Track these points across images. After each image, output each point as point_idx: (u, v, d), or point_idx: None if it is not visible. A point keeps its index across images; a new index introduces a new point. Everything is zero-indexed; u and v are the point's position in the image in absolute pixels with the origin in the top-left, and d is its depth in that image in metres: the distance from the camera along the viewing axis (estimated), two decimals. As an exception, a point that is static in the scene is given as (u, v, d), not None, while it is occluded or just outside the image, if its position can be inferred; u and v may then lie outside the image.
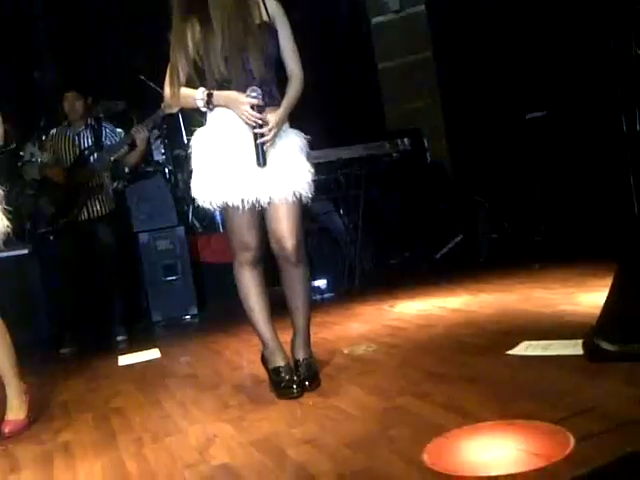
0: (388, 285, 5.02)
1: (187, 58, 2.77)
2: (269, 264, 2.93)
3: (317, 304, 4.82)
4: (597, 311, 2.51)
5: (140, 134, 4.84)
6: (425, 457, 1.88)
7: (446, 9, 6.64)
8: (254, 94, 2.71)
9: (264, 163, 2.73)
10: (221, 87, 2.76)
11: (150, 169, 6.46)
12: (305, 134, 2.92)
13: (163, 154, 6.55)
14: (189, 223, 6.14)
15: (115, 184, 6.11)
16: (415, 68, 7.23)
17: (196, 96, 2.76)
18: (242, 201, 2.74)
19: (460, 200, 5.60)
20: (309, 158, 2.90)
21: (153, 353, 4.22)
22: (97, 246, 4.91)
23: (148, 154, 6.59)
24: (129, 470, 2.34)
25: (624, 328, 2.36)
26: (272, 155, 2.77)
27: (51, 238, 4.98)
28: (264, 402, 2.80)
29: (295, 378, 2.83)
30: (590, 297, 3.42)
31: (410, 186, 5.68)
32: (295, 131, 2.90)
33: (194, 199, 2.84)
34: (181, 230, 5.58)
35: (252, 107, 2.72)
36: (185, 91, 2.80)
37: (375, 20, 7.78)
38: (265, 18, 2.82)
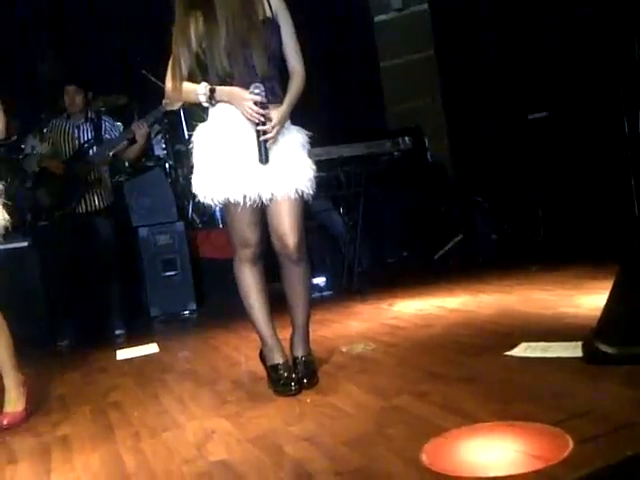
0: (387, 284, 5.02)
1: (190, 52, 2.75)
2: (269, 261, 2.93)
3: (316, 302, 4.79)
4: (597, 313, 2.51)
5: (140, 129, 4.82)
6: (423, 457, 1.88)
7: (449, 8, 6.64)
8: (257, 91, 2.70)
9: (267, 160, 2.73)
10: (223, 82, 2.74)
11: (150, 164, 6.45)
12: (306, 131, 2.91)
13: (164, 149, 6.55)
14: (189, 218, 6.13)
15: (116, 178, 6.13)
16: (417, 67, 7.22)
17: (198, 91, 2.74)
18: (244, 197, 2.73)
19: (460, 200, 5.60)
20: (310, 155, 2.90)
21: (151, 348, 4.22)
22: (95, 240, 4.90)
23: (149, 149, 6.60)
24: (127, 464, 2.34)
25: (624, 331, 2.36)
26: (274, 152, 2.76)
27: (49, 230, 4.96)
28: (262, 399, 2.80)
29: (293, 376, 2.83)
30: (590, 299, 3.42)
31: (410, 185, 5.68)
32: (297, 128, 2.89)
33: (194, 194, 2.83)
34: (181, 225, 5.58)
35: (255, 104, 2.71)
36: (187, 86, 2.78)
37: (378, 18, 7.78)
38: (268, 14, 2.81)
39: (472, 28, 6.25)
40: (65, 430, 2.86)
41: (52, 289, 4.97)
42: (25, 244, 4.97)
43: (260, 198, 2.76)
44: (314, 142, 2.96)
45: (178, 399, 3.04)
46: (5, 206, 3.02)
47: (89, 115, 5.02)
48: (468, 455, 1.86)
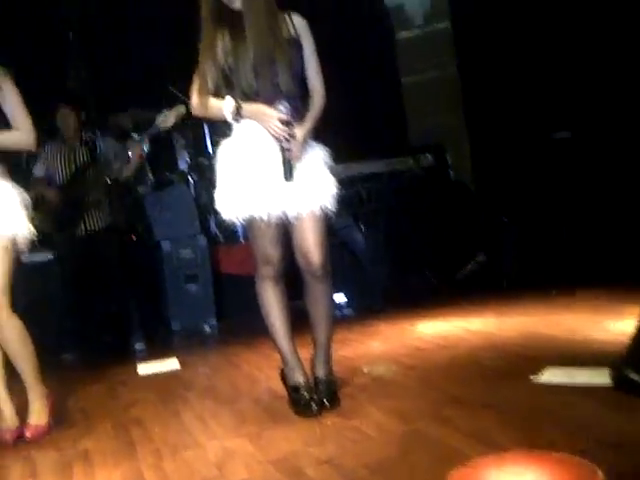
0: (408, 303, 4.98)
1: (216, 68, 2.79)
2: (290, 278, 2.92)
3: (337, 320, 4.75)
4: (626, 339, 2.48)
5: (135, 149, 4.85)
6: (448, 485, 1.86)
7: (471, 25, 6.63)
8: (282, 108, 2.72)
9: (291, 177, 2.75)
10: (248, 99, 2.77)
11: (174, 177, 6.48)
12: (328, 147, 2.93)
13: (187, 162, 6.57)
14: (211, 233, 6.14)
15: (139, 191, 6.16)
16: (439, 84, 7.21)
17: (223, 107, 2.77)
18: (268, 214, 2.75)
19: (483, 219, 5.56)
20: (332, 172, 2.91)
21: (172, 363, 4.22)
22: (98, 260, 4.91)
23: (174, 162, 6.65)
24: (148, 482, 2.34)
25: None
26: (297, 169, 2.78)
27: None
28: (282, 419, 2.80)
29: (314, 396, 2.82)
30: (620, 325, 3.35)
31: (432, 203, 5.65)
32: (318, 145, 2.91)
33: (216, 209, 2.85)
34: (203, 239, 5.58)
35: (280, 121, 2.72)
36: (212, 101, 2.81)
37: (399, 35, 7.79)
38: (292, 33, 2.85)
39: (495, 45, 6.24)
40: (87, 445, 2.87)
41: (66, 302, 4.97)
42: (49, 257, 4.97)
43: (283, 215, 2.78)
44: (335, 159, 2.97)
45: (199, 417, 3.05)
46: (31, 219, 3.05)
47: (84, 137, 5.01)
48: (493, 485, 1.84)
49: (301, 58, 2.84)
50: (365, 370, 3.35)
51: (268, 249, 2.82)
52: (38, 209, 4.80)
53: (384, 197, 5.15)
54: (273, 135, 2.74)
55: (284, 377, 2.99)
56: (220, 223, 6.25)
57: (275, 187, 2.75)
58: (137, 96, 6.21)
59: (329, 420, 2.70)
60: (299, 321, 2.98)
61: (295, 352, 2.92)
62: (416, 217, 5.51)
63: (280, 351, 2.94)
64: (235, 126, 2.83)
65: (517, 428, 2.27)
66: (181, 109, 4.73)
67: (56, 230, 4.85)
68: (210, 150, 6.50)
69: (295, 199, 2.78)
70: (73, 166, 4.92)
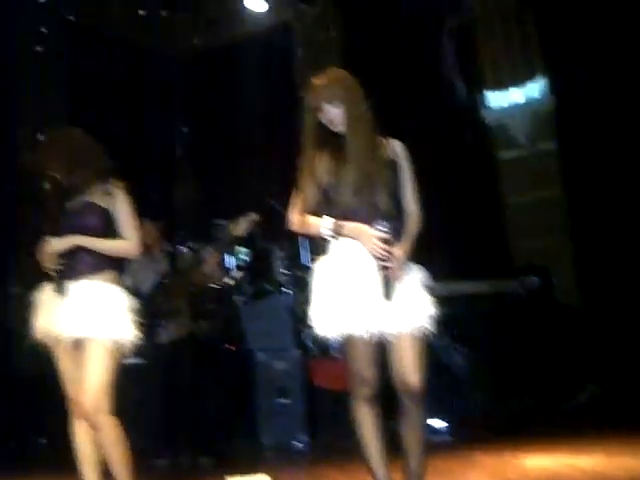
0: (509, 432, 4.71)
1: (316, 187, 2.85)
2: (386, 397, 2.84)
3: (431, 446, 4.54)
4: None
5: (209, 257, 4.92)
6: None
7: (577, 145, 6.57)
8: (382, 228, 2.73)
9: (390, 296, 2.72)
10: (346, 218, 2.80)
11: (270, 289, 6.54)
12: (428, 266, 2.91)
13: (284, 275, 6.63)
14: (305, 346, 6.09)
15: (236, 300, 6.24)
16: (545, 205, 7.12)
17: (322, 225, 2.82)
18: (365, 333, 2.70)
19: (593, 348, 5.29)
20: (431, 291, 2.86)
21: (261, 478, 4.10)
22: (177, 365, 4.94)
23: (270, 273, 6.73)
24: None
25: None
26: (396, 288, 2.76)
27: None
28: None
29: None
30: None
31: (537, 326, 5.44)
32: (416, 266, 2.90)
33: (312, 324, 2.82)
34: (297, 352, 5.53)
35: (380, 240, 2.72)
36: (311, 219, 2.86)
37: (503, 155, 7.79)
38: (392, 156, 2.93)
39: (601, 165, 6.14)
40: None
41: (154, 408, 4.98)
42: (138, 362, 5.01)
43: (381, 335, 2.73)
44: (436, 278, 2.94)
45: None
46: (136, 323, 3.16)
47: (164, 247, 5.13)
48: None
49: (399, 180, 2.90)
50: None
51: (364, 370, 2.78)
52: None
53: (486, 319, 5.00)
54: (373, 254, 2.73)
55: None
56: (315, 336, 6.22)
57: (373, 306, 2.73)
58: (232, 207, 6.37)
59: None
60: (392, 443, 2.85)
61: (388, 475, 2.81)
62: (519, 341, 5.30)
63: (373, 475, 2.83)
64: (333, 244, 2.85)
65: None
66: (253, 218, 4.81)
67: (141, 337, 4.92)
68: (307, 263, 6.57)
69: (393, 319, 2.74)
70: (155, 277, 5.01)
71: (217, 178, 8.37)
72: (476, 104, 7.76)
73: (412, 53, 7.25)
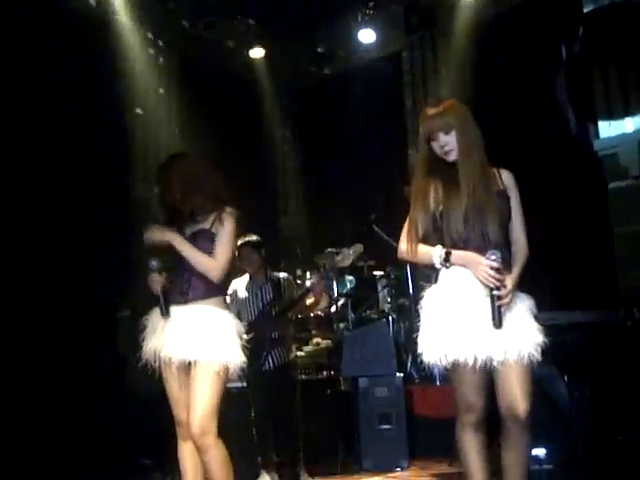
0: (614, 465, 4.58)
1: (427, 215, 2.91)
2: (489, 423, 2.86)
3: (534, 475, 4.52)
4: None
5: (316, 286, 4.97)
6: None
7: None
8: (494, 257, 2.77)
9: (500, 325, 2.75)
10: (456, 247, 2.85)
11: (375, 316, 6.64)
12: (536, 295, 2.92)
13: (388, 302, 6.72)
14: (407, 372, 6.14)
15: (340, 328, 6.37)
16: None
17: (433, 253, 2.86)
18: (474, 359, 2.73)
19: None
20: (538, 319, 2.88)
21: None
22: (281, 390, 5.02)
23: (375, 301, 6.83)
24: None
25: None
26: (505, 317, 2.78)
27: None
28: None
29: None
30: None
31: (644, 358, 5.28)
32: (524, 294, 2.92)
33: (415, 349, 2.88)
34: (399, 379, 5.58)
35: (491, 269, 2.76)
36: (421, 247, 2.91)
37: (613, 184, 7.63)
38: (501, 186, 2.97)
39: None
40: None
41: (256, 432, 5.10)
42: (242, 386, 5.16)
43: (489, 362, 2.75)
44: (541, 306, 2.95)
45: None
46: (243, 348, 3.22)
47: (269, 275, 5.20)
48: None
49: (509, 210, 2.93)
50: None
51: (471, 396, 2.80)
52: None
53: (592, 349, 4.89)
54: (483, 282, 2.77)
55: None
56: (417, 363, 6.26)
57: (482, 333, 2.76)
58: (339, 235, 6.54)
59: None
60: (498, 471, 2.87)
61: None
62: (626, 373, 5.16)
63: None
64: (442, 272, 2.89)
65: None
66: (359, 248, 4.86)
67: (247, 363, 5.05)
68: (411, 291, 6.64)
69: (502, 346, 2.76)
70: (260, 304, 5.09)
71: (326, 207, 8.57)
72: (588, 134, 7.66)
73: (524, 82, 7.25)
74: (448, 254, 2.83)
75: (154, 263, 3.22)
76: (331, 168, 8.70)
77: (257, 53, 8.49)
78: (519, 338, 2.78)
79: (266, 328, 4.97)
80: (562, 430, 4.93)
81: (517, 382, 2.77)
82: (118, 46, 7.05)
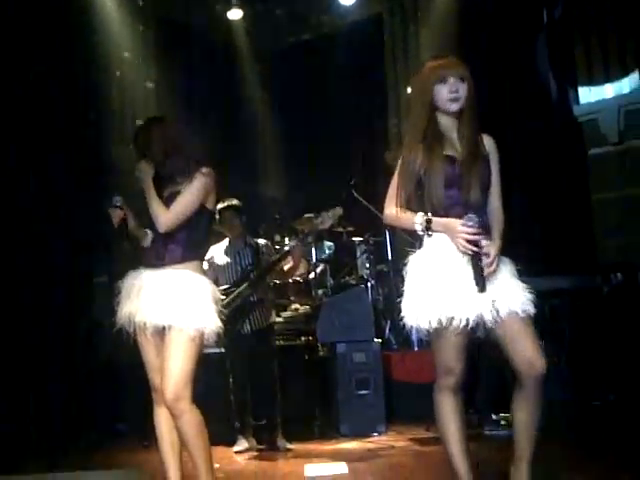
0: (589, 430, 4.64)
1: (412, 182, 2.87)
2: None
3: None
4: None
5: (295, 249, 4.95)
6: None
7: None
8: (470, 223, 2.74)
9: (484, 289, 2.73)
10: (435, 213, 2.82)
11: (353, 282, 6.63)
12: (514, 260, 2.90)
13: (367, 268, 6.71)
14: (385, 338, 6.16)
15: (318, 294, 6.36)
16: (631, 202, 6.94)
17: (415, 220, 2.82)
18: (460, 321, 2.71)
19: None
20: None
21: (340, 467, 4.18)
22: (258, 355, 5.02)
23: (354, 267, 6.82)
24: None
25: None
26: (490, 281, 2.76)
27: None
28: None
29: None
30: None
31: (620, 323, 5.33)
32: (507, 259, 2.89)
33: (393, 315, 2.87)
34: (377, 344, 5.58)
35: (467, 240, 2.73)
36: (405, 214, 2.88)
37: (592, 151, 7.64)
38: (484, 152, 2.93)
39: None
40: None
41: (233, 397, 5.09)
42: (219, 351, 5.13)
43: (479, 324, 2.73)
44: (520, 272, 2.91)
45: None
46: (220, 313, 3.16)
47: (247, 240, 5.18)
48: None
49: (489, 175, 2.90)
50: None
51: (452, 360, 2.80)
52: None
53: (570, 315, 4.93)
54: (461, 250, 2.75)
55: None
56: (395, 329, 6.29)
57: (465, 297, 2.73)
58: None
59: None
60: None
61: (470, 470, 2.81)
62: (602, 338, 5.21)
63: (454, 467, 2.83)
64: (426, 239, 2.87)
65: None
66: (338, 212, 4.84)
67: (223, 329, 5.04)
68: (390, 258, 6.64)
69: (490, 306, 2.73)
70: (239, 268, 5.08)
71: (304, 171, 8.51)
72: (568, 99, 7.64)
73: (505, 47, 7.20)
74: (428, 221, 2.81)
75: (117, 199, 3.24)
76: (311, 133, 8.62)
77: (235, 15, 8.35)
78: (509, 298, 2.75)
79: (244, 292, 4.95)
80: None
81: (528, 338, 2.75)
82: (94, 7, 6.91)
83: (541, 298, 4.93)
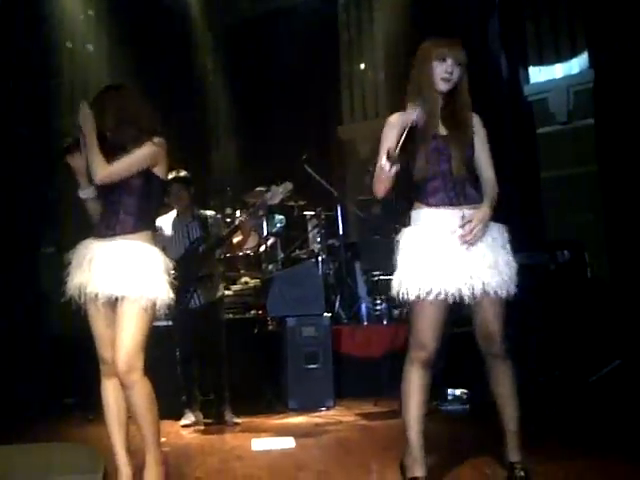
0: (534, 405, 4.72)
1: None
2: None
3: (457, 414, 4.63)
4: None
5: (244, 223, 4.92)
6: None
7: (615, 124, 6.48)
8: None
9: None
10: (420, 180, 2.90)
11: (304, 256, 6.61)
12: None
13: (318, 242, 6.70)
14: (335, 313, 6.16)
15: (269, 268, 6.32)
16: (579, 181, 7.07)
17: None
18: (437, 295, 2.77)
19: (621, 321, 5.26)
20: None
21: (287, 441, 4.18)
22: (207, 329, 4.99)
23: (304, 241, 6.78)
24: None
25: None
26: (478, 249, 2.83)
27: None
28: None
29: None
30: None
31: (567, 300, 5.43)
32: (503, 226, 2.99)
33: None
34: (327, 319, 5.58)
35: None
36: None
37: (541, 130, 7.74)
38: (472, 131, 3.01)
39: (638, 144, 6.05)
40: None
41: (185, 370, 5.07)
42: (168, 324, 5.07)
43: (453, 297, 2.78)
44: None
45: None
46: (172, 284, 3.14)
47: (195, 213, 5.10)
48: None
49: (473, 149, 2.97)
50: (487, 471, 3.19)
51: (427, 334, 2.84)
52: None
53: (518, 293, 4.96)
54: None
55: (403, 468, 2.92)
56: (345, 303, 6.30)
57: (447, 270, 2.79)
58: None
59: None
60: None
61: (422, 446, 2.87)
62: (549, 314, 5.30)
63: (407, 440, 2.89)
64: (413, 214, 2.95)
65: None
66: (288, 186, 4.81)
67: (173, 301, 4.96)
68: (341, 232, 6.64)
69: (472, 281, 2.78)
70: (187, 241, 5.01)
71: (256, 145, 8.43)
72: (518, 78, 7.71)
73: (457, 25, 7.19)
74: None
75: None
76: (263, 105, 8.53)
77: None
78: (491, 272, 2.81)
79: (193, 266, 4.89)
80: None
81: (491, 311, 2.84)
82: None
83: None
